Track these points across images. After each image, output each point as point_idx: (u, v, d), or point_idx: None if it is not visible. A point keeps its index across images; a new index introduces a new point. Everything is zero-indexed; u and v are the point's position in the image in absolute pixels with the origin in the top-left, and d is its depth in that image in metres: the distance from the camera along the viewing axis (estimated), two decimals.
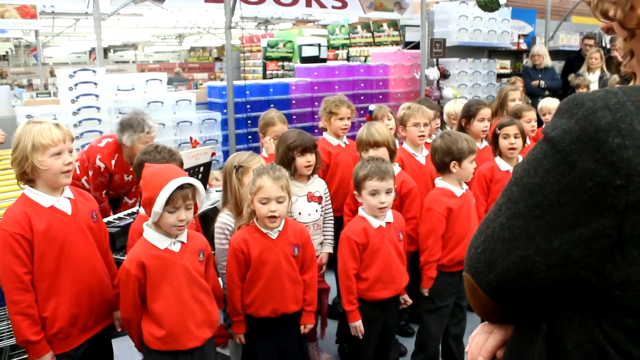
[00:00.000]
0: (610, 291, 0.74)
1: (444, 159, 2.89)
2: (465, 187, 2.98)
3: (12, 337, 2.42)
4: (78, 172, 3.69)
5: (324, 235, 3.15)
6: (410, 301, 2.92)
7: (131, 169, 3.71)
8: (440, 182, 2.97)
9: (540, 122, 4.61)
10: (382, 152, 3.10)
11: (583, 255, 0.75)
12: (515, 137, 3.43)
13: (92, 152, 3.70)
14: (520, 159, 3.49)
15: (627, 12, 0.88)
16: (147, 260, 2.12)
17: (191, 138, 4.63)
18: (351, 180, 2.87)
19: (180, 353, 2.19)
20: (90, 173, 3.68)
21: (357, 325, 2.73)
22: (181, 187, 2.10)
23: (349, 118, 3.63)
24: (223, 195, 2.88)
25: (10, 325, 2.41)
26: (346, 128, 3.65)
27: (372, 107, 3.97)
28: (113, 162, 3.68)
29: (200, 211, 2.62)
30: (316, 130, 5.26)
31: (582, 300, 0.78)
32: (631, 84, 0.98)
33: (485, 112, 3.92)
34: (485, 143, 3.92)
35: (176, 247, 2.19)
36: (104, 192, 3.77)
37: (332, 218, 3.19)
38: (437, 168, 2.98)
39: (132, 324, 2.22)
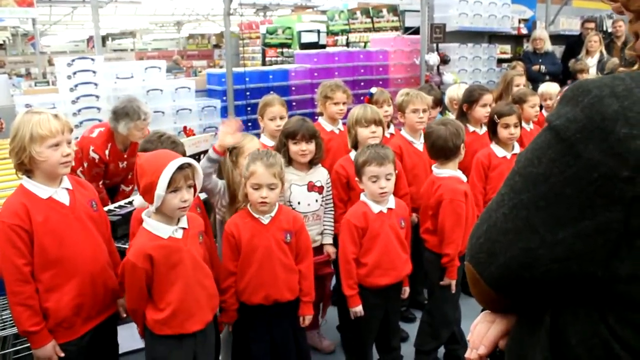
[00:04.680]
0: (616, 285, 0.72)
1: (457, 143, 2.90)
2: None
3: (15, 326, 2.44)
4: (73, 163, 3.67)
5: (324, 225, 3.12)
6: (407, 294, 2.92)
7: (125, 156, 3.70)
8: (444, 170, 2.93)
9: (540, 107, 4.59)
10: (380, 132, 3.14)
11: (588, 249, 0.73)
12: (515, 127, 3.42)
13: (85, 143, 3.65)
14: (517, 145, 3.49)
15: None
16: (154, 251, 2.12)
17: (185, 127, 4.59)
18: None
19: (184, 336, 2.21)
20: (85, 165, 3.64)
21: (357, 310, 2.74)
22: (181, 168, 2.11)
23: (344, 103, 3.61)
24: (217, 176, 2.88)
25: None
26: (341, 112, 3.62)
27: (373, 90, 3.93)
28: (107, 151, 3.65)
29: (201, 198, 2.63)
30: (316, 117, 5.24)
31: (587, 294, 0.76)
32: (636, 67, 0.96)
33: (488, 97, 3.90)
34: (485, 128, 3.90)
35: (179, 234, 2.19)
36: (100, 182, 3.73)
37: (333, 209, 3.16)
38: (445, 155, 2.92)
39: (139, 313, 2.23)
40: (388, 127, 3.66)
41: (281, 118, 3.43)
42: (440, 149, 2.95)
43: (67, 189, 2.25)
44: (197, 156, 3.28)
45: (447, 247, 2.87)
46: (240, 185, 2.66)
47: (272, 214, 2.52)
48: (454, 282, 2.91)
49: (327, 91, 3.58)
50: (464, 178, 2.97)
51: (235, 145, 2.76)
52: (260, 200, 2.44)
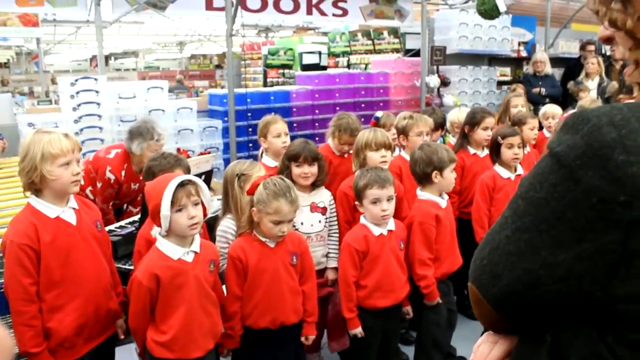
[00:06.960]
0: (615, 305, 0.74)
1: (426, 170, 2.92)
2: (446, 197, 3.03)
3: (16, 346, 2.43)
4: (82, 182, 3.67)
5: (329, 248, 3.11)
6: (411, 314, 2.92)
7: (141, 178, 3.72)
8: (423, 193, 2.98)
9: (540, 127, 4.63)
10: (389, 156, 3.16)
11: (588, 270, 0.75)
12: (519, 147, 3.45)
13: (101, 163, 3.66)
14: (519, 166, 3.51)
15: (636, 22, 0.87)
16: (161, 271, 2.12)
17: (179, 150, 4.58)
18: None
19: None
20: (99, 185, 3.64)
21: (357, 332, 2.73)
22: (182, 186, 2.12)
23: (350, 144, 3.52)
24: (223, 203, 2.87)
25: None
26: (346, 151, 3.59)
27: (379, 114, 3.95)
28: (123, 172, 3.66)
29: (208, 215, 2.63)
30: (317, 138, 5.27)
31: (586, 314, 0.78)
32: (635, 93, 0.98)
33: (490, 121, 3.93)
34: (486, 151, 3.92)
35: (189, 257, 2.19)
36: (111, 203, 3.74)
37: (337, 231, 3.14)
38: (418, 179, 3.01)
39: (139, 333, 2.22)
40: (394, 150, 3.67)
41: (285, 134, 3.44)
42: (412, 171, 3.03)
43: (74, 208, 2.26)
44: (198, 177, 3.29)
45: (419, 269, 2.87)
46: (246, 210, 2.68)
47: None
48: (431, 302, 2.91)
49: (336, 131, 3.56)
50: (443, 204, 2.97)
51: (243, 172, 2.78)
52: (280, 234, 2.43)
